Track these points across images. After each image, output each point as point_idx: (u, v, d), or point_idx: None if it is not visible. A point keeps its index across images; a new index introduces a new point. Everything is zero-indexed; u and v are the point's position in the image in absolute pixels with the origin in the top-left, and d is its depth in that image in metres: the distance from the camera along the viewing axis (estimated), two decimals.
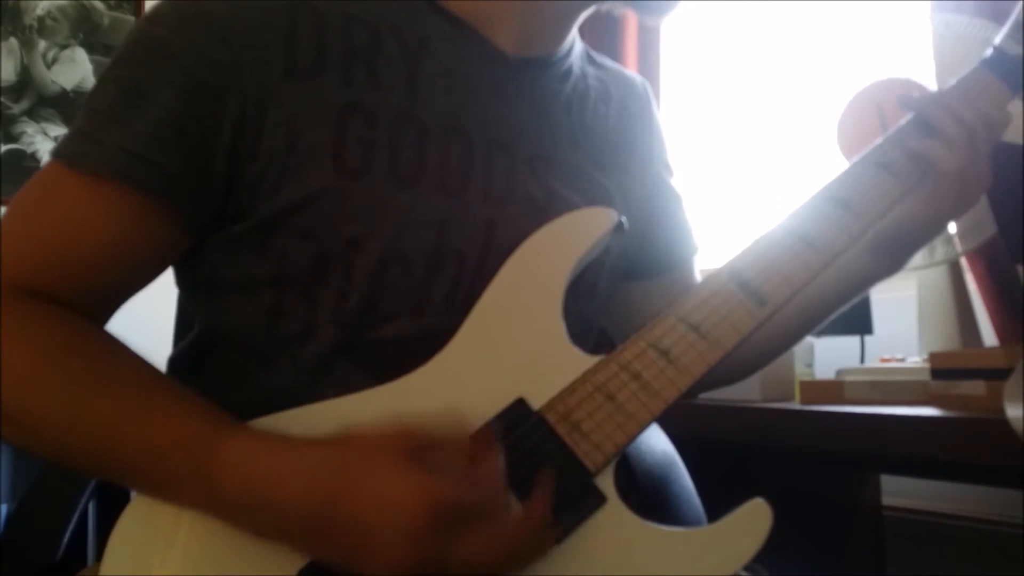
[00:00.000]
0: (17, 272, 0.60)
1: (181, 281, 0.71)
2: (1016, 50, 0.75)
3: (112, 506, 0.58)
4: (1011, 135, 0.95)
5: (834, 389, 1.07)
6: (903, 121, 0.75)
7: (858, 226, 0.69)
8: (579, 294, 0.71)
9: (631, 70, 2.01)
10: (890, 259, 0.78)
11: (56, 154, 0.62)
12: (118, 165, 0.60)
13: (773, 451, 1.17)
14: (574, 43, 0.78)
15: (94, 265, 0.62)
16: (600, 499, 0.59)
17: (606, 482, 0.59)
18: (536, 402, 0.61)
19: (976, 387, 0.89)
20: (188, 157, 0.61)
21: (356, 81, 0.64)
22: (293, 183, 0.61)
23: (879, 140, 0.74)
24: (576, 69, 0.78)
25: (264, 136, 0.61)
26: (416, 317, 0.64)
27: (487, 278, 0.65)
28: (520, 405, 0.60)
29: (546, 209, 0.68)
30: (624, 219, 0.73)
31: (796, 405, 1.08)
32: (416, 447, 0.54)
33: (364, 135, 0.63)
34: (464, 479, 0.53)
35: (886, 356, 1.18)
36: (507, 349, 0.63)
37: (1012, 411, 0.73)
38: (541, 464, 0.58)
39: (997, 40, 0.76)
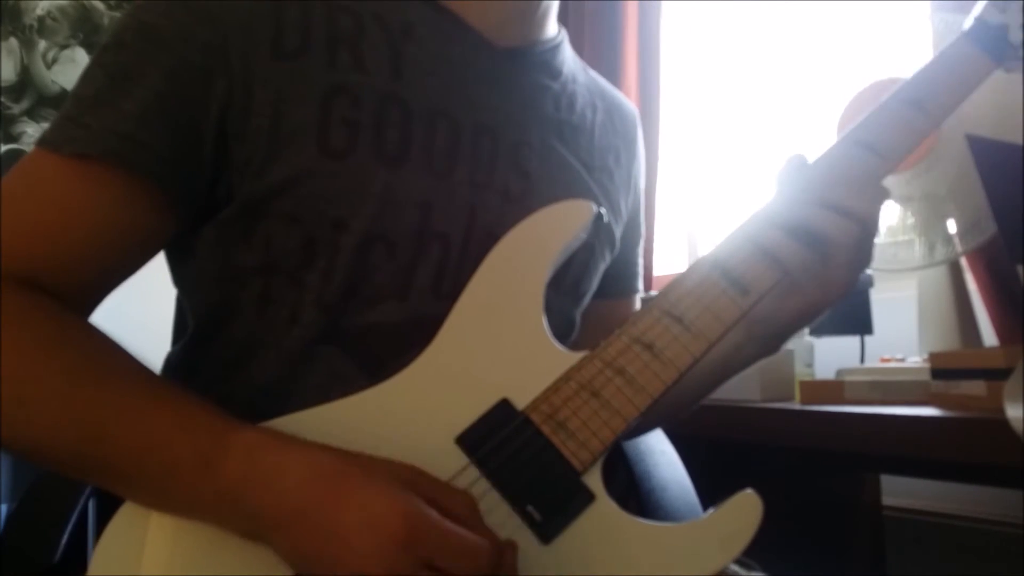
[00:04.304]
0: (4, 261, 0.59)
1: (175, 276, 0.71)
2: (998, 18, 0.73)
3: (112, 507, 0.58)
4: (1011, 135, 0.95)
5: (834, 389, 1.07)
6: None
7: None
8: (562, 291, 0.71)
9: (631, 68, 1.99)
10: (764, 345, 0.73)
11: (41, 142, 0.61)
12: (107, 145, 0.59)
13: (773, 451, 1.17)
14: (563, 43, 0.78)
15: (80, 250, 0.61)
16: (589, 497, 0.59)
17: (594, 480, 0.59)
18: (520, 402, 0.61)
19: (976, 387, 0.89)
20: (177, 138, 0.61)
21: (340, 64, 0.64)
22: (278, 164, 0.61)
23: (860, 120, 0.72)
24: (567, 71, 0.77)
25: (251, 116, 0.61)
26: (401, 300, 0.63)
27: (472, 264, 0.65)
28: (505, 406, 0.60)
29: (521, 199, 0.68)
30: (604, 210, 0.72)
31: (796, 405, 1.08)
32: (419, 480, 0.54)
33: (348, 116, 0.63)
34: (454, 526, 0.52)
35: (886, 356, 1.18)
36: (489, 349, 0.63)
37: (1012, 411, 0.73)
38: (527, 465, 0.58)
39: (978, 11, 0.74)
